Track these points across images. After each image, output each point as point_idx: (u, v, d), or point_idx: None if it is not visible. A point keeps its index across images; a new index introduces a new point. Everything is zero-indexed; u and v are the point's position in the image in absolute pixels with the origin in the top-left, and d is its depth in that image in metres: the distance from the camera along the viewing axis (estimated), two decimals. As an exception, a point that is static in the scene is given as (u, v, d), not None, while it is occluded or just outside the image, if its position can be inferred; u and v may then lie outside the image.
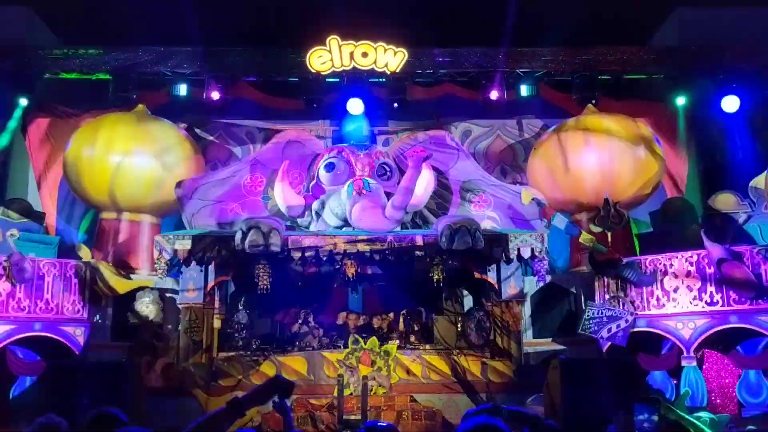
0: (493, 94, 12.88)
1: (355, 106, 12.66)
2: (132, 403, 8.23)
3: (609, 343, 10.46)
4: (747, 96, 12.67)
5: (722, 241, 10.24)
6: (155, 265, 10.59)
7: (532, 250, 10.47)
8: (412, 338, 11.32)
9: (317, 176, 11.46)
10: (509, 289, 10.92)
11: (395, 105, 13.04)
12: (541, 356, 11.08)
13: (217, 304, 11.19)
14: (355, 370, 10.04)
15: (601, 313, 10.59)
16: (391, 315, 11.85)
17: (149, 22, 12.29)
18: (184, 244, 10.32)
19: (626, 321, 10.43)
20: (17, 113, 12.81)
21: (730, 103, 12.71)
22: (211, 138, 14.18)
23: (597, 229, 11.20)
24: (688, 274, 10.31)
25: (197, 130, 14.00)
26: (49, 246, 11.66)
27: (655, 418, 4.57)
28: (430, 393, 10.16)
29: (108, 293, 11.22)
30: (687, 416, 8.14)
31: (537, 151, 13.32)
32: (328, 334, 11.33)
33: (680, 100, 13.12)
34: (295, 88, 13.14)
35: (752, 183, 11.56)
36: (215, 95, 12.76)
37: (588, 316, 10.64)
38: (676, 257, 10.45)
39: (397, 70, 12.45)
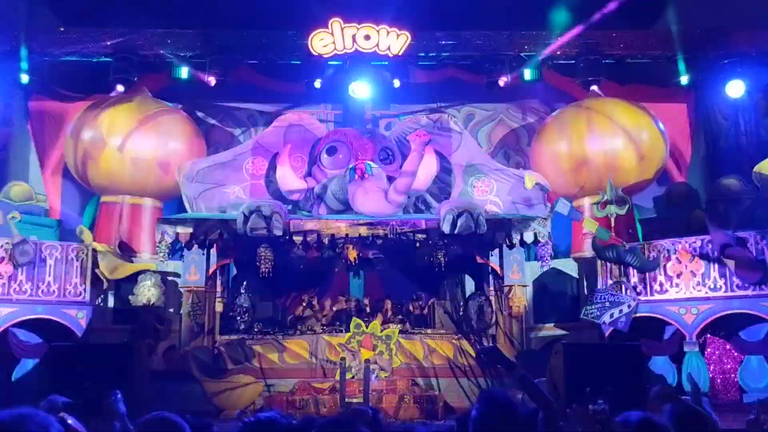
0: (501, 81, 12.82)
1: (360, 89, 12.58)
2: (134, 385, 8.24)
3: (611, 329, 10.46)
4: (752, 80, 12.56)
5: (726, 227, 10.21)
6: (157, 249, 10.57)
7: (535, 235, 10.45)
8: (414, 322, 11.32)
9: (319, 160, 11.41)
10: (511, 274, 10.91)
11: (396, 83, 12.90)
12: (544, 341, 11.08)
13: (219, 288, 11.19)
14: (357, 354, 10.06)
15: (604, 298, 10.58)
16: (393, 299, 11.87)
17: (150, 4, 12.19)
18: (185, 228, 10.30)
19: (628, 306, 10.43)
20: None
21: (735, 88, 12.61)
22: (212, 121, 14.12)
23: (600, 214, 11.18)
24: (692, 259, 10.29)
25: (198, 114, 13.93)
26: (50, 229, 11.66)
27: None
28: (432, 377, 10.18)
29: (109, 276, 11.21)
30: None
31: (540, 136, 13.26)
32: (329, 317, 11.35)
33: (684, 79, 12.96)
34: (296, 71, 13.04)
35: (756, 168, 11.51)
36: (212, 80, 12.70)
37: (590, 301, 10.64)
38: (680, 243, 10.43)
39: (400, 53, 12.35)
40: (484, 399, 3.11)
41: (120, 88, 12.69)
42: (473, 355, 10.33)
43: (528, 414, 3.19)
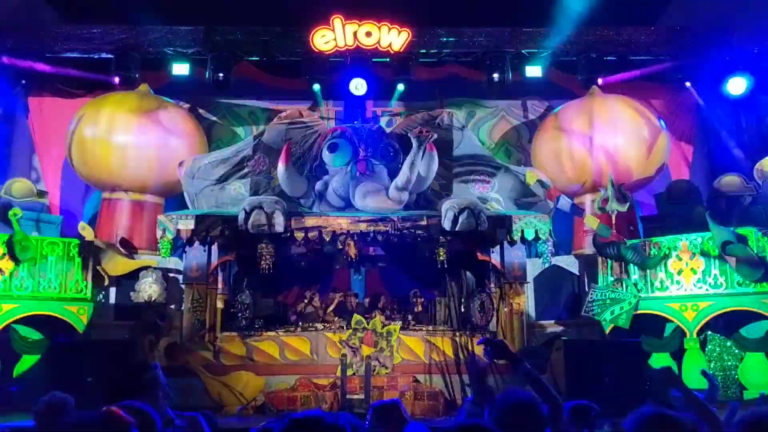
0: (494, 76, 12.82)
1: (359, 86, 12.57)
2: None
3: (612, 325, 10.46)
4: (753, 77, 12.56)
5: (727, 224, 10.21)
6: (158, 245, 10.58)
7: (536, 232, 10.44)
8: (415, 319, 11.33)
9: (320, 157, 11.40)
10: (512, 271, 10.91)
11: (401, 85, 12.92)
12: (544, 338, 11.09)
13: (220, 284, 11.19)
14: (358, 351, 10.07)
15: (605, 295, 10.59)
16: (393, 296, 11.88)
17: (151, 1, 12.19)
18: (187, 224, 10.30)
19: (629, 303, 10.43)
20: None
21: (736, 85, 12.61)
22: (213, 118, 14.13)
23: (601, 211, 11.18)
24: (693, 256, 10.29)
25: (200, 110, 13.95)
26: (52, 225, 11.66)
27: None
28: (433, 374, 10.19)
29: (111, 273, 11.23)
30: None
31: (541, 133, 13.26)
32: (330, 314, 11.36)
33: (687, 83, 13.00)
34: (298, 68, 13.04)
35: (758, 165, 11.53)
36: (219, 75, 12.69)
37: (591, 298, 10.65)
38: (681, 240, 10.42)
39: (401, 50, 12.34)
40: (505, 397, 3.09)
41: (121, 84, 12.71)
42: (474, 351, 10.34)
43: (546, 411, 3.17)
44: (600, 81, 12.83)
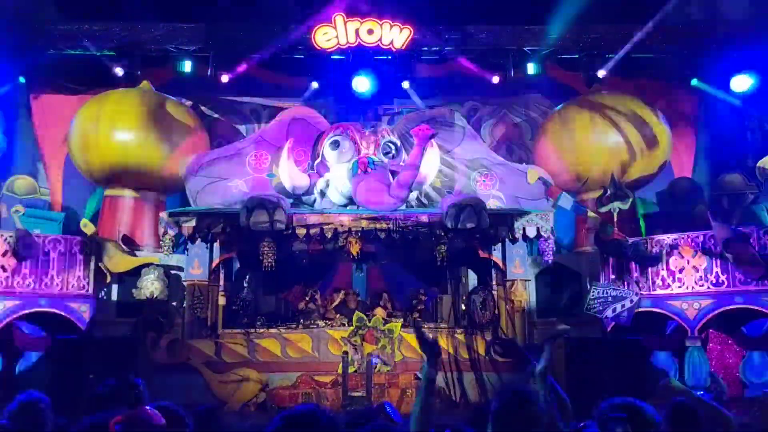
0: (495, 79, 12.82)
1: (362, 84, 12.57)
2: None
3: (613, 323, 10.47)
4: (756, 75, 12.52)
5: (729, 222, 10.21)
6: (160, 242, 10.59)
7: (538, 230, 10.44)
8: (416, 316, 11.34)
9: (322, 154, 11.40)
10: (514, 269, 10.92)
11: (406, 84, 12.92)
12: (546, 335, 11.07)
13: (221, 282, 11.21)
14: (360, 348, 10.09)
15: (606, 293, 10.59)
16: (395, 293, 11.89)
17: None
18: (189, 221, 10.32)
19: (631, 301, 10.44)
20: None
21: (740, 83, 12.57)
22: (215, 115, 14.12)
23: (603, 209, 11.18)
24: (694, 254, 10.29)
25: (202, 108, 13.93)
26: (53, 222, 11.69)
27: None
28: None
29: (113, 270, 11.24)
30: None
31: (543, 130, 13.25)
32: (332, 311, 11.38)
33: (693, 81, 12.97)
34: (300, 66, 13.04)
35: (759, 163, 11.52)
36: (224, 78, 12.71)
37: (593, 296, 10.65)
38: (682, 237, 10.42)
39: (403, 48, 12.33)
40: (505, 393, 3.11)
41: (123, 81, 12.71)
42: (475, 349, 10.36)
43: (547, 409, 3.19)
44: (601, 77, 12.81)
